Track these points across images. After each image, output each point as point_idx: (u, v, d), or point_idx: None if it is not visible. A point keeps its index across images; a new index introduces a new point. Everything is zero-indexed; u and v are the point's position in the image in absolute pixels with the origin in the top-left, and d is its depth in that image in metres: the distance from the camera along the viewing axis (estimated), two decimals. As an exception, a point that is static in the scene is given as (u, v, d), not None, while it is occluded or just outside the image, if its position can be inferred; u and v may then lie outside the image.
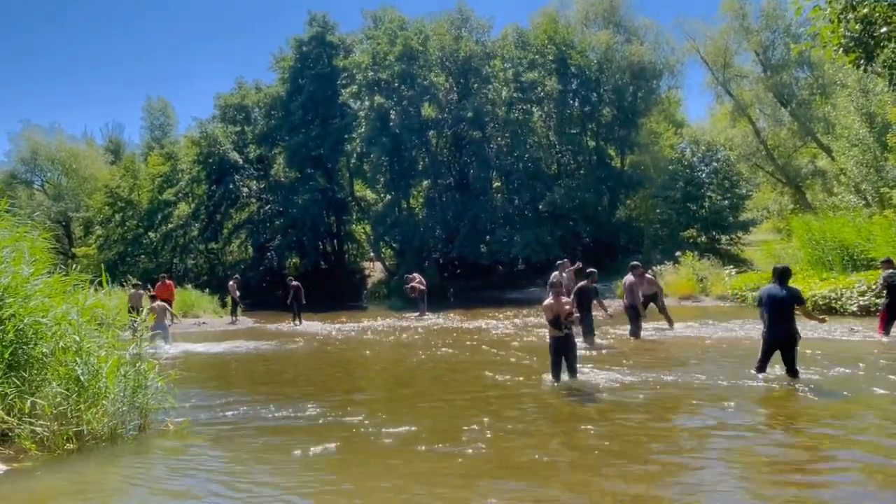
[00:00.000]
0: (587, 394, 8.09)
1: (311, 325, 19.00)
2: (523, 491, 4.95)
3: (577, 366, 8.73)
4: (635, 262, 14.05)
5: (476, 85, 32.15)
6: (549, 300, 8.64)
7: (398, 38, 31.98)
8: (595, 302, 12.42)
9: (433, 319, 18.88)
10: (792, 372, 7.98)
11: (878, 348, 10.50)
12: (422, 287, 20.37)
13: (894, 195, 21.66)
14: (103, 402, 6.41)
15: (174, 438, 6.78)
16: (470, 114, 30.99)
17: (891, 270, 11.40)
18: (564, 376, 8.58)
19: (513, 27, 34.44)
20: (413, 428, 6.73)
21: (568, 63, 32.16)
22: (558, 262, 16.52)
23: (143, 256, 39.07)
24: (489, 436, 6.35)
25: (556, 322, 8.35)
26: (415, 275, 21.12)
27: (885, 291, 11.47)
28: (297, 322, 19.43)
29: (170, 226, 38.77)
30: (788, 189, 39.40)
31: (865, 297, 14.27)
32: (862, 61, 6.36)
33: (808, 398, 7.42)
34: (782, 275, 8.08)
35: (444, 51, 32.11)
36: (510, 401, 8.06)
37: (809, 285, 16.22)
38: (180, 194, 39.00)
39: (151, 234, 39.24)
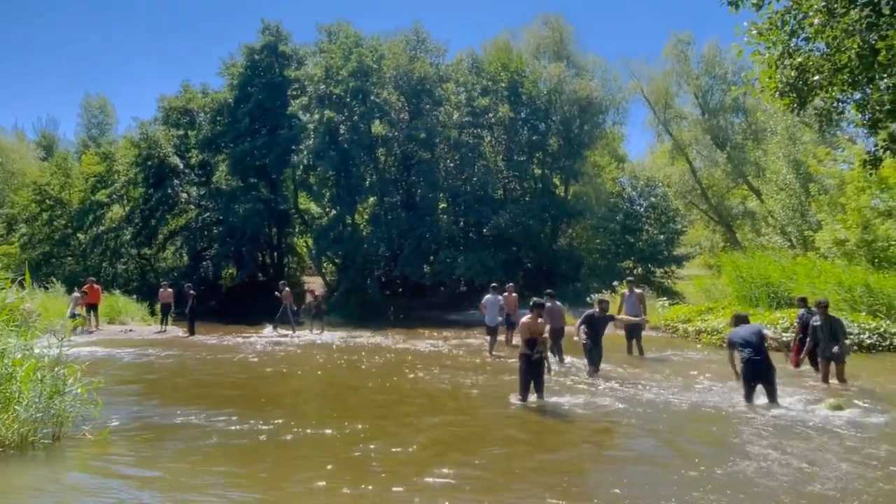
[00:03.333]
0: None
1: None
2: None
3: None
4: (630, 277, 14.72)
5: (428, 106, 32.38)
6: (526, 318, 8.59)
7: (353, 53, 31.95)
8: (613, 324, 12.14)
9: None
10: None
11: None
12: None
13: (816, 238, 22.93)
14: (15, 406, 6.00)
15: (91, 447, 6.41)
16: (422, 134, 31.15)
17: (804, 310, 12.08)
18: (532, 397, 8.54)
19: (468, 52, 35.09)
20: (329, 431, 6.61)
21: (520, 91, 32.88)
22: (493, 284, 16.34)
23: (69, 258, 37.19)
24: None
25: (531, 343, 8.30)
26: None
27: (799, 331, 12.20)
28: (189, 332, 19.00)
29: (101, 228, 37.09)
30: (720, 227, 41.28)
31: (788, 333, 14.97)
32: (795, 106, 6.76)
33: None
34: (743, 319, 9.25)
35: (399, 70, 32.25)
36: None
37: (737, 319, 16.87)
38: (115, 196, 37.43)
39: (81, 236, 37.45)
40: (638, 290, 14.64)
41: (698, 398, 9.17)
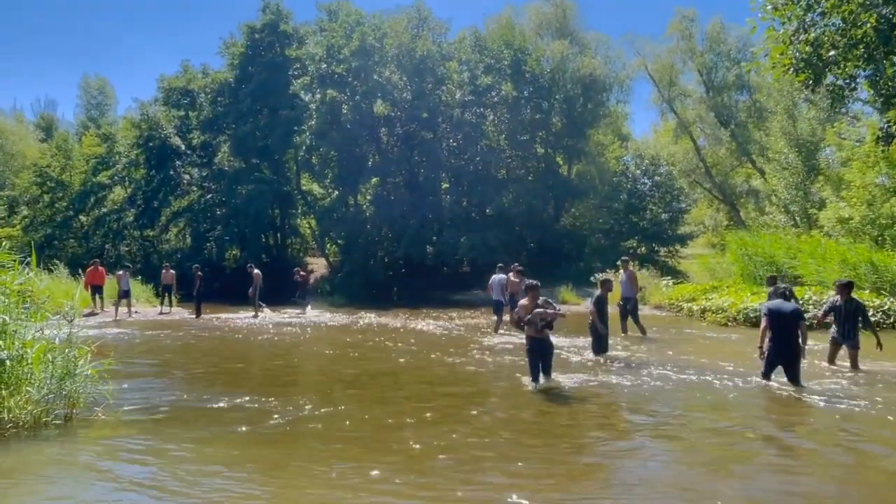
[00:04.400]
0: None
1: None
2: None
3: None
4: (625, 258, 14.69)
5: (431, 85, 32.11)
6: (523, 300, 8.55)
7: (354, 32, 31.62)
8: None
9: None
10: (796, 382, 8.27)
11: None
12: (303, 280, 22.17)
13: (820, 216, 22.87)
14: (27, 388, 6.03)
15: (103, 428, 6.45)
16: (424, 114, 30.94)
17: (773, 288, 12.25)
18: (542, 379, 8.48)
19: (470, 30, 34.64)
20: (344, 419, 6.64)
21: (523, 69, 32.57)
22: (499, 264, 16.36)
23: (72, 240, 37.25)
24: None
25: (531, 323, 8.25)
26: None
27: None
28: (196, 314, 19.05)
29: (103, 210, 37.13)
30: (724, 206, 41.14)
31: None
32: (810, 82, 6.68)
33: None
34: (786, 292, 8.76)
35: (401, 49, 31.94)
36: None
37: (741, 298, 16.91)
38: (116, 178, 37.40)
39: (83, 218, 37.48)
40: (630, 270, 14.62)
41: (710, 378, 9.18)
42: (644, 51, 40.08)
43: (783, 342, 8.26)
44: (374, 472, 5.18)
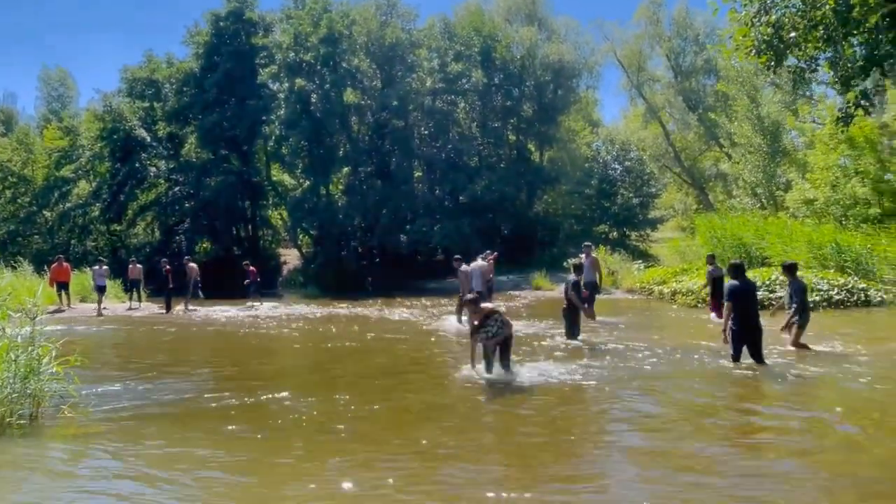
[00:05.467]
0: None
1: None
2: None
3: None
4: (588, 243, 15.23)
5: (400, 73, 31.87)
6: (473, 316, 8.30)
7: (322, 19, 31.18)
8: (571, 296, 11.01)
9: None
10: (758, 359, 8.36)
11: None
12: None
13: (786, 198, 23.31)
14: (-11, 388, 5.88)
15: (69, 425, 6.33)
16: (395, 102, 30.72)
17: (713, 266, 13.82)
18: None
19: (440, 17, 34.46)
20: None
21: (493, 56, 32.52)
22: (481, 255, 16.32)
23: (36, 236, 36.31)
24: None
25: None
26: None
27: (709, 285, 13.85)
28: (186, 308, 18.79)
29: (68, 205, 36.16)
30: (693, 190, 41.78)
31: (759, 291, 15.26)
32: (771, 64, 6.78)
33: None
34: (739, 268, 8.58)
35: (370, 36, 31.61)
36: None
37: (711, 280, 17.18)
38: (80, 171, 36.45)
39: (47, 213, 36.51)
40: (593, 255, 14.69)
41: (681, 358, 9.33)
42: (613, 36, 40.41)
43: (750, 320, 8.38)
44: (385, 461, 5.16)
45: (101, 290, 18.63)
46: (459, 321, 13.74)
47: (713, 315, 13.33)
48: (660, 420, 6.35)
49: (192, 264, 19.84)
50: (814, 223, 19.09)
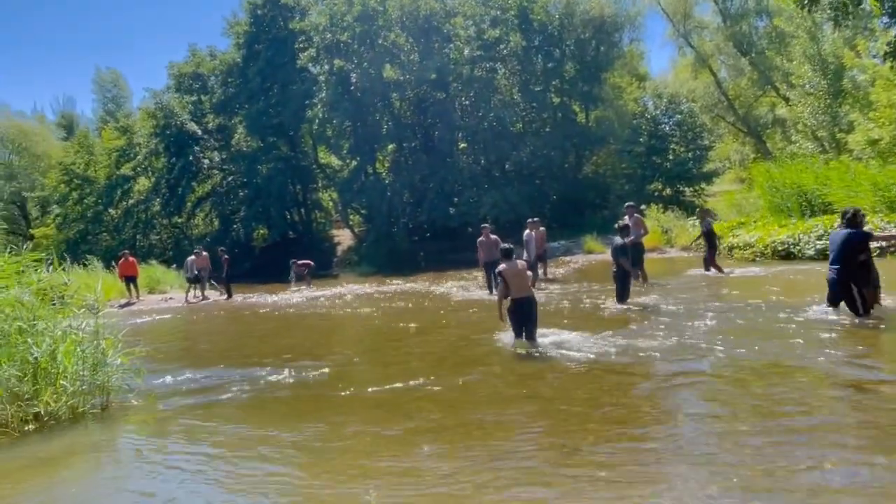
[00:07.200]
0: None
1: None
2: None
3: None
4: (630, 203, 14.82)
5: (437, 44, 31.54)
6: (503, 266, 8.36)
7: (355, -3, 31.11)
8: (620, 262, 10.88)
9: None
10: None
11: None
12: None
13: (849, 140, 22.08)
14: (61, 381, 6.30)
15: (138, 413, 6.73)
16: (433, 74, 30.49)
17: (708, 219, 14.19)
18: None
19: (473, -18, 33.69)
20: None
21: (530, 18, 31.73)
22: (529, 220, 16.29)
23: (104, 234, 38.17)
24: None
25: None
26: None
27: (704, 238, 14.14)
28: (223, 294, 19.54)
29: (130, 201, 37.85)
30: (749, 139, 39.98)
31: (822, 241, 14.62)
32: (807, 2, 6.38)
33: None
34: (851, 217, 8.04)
35: (404, 10, 31.34)
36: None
37: (769, 232, 16.58)
38: (139, 169, 37.99)
39: (112, 211, 38.30)
40: (636, 216, 14.35)
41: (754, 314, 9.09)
42: (654, -16, 38.55)
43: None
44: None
45: (196, 279, 19.47)
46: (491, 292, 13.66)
47: (712, 271, 13.74)
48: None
49: (204, 254, 20.02)
50: (879, 165, 18.03)
